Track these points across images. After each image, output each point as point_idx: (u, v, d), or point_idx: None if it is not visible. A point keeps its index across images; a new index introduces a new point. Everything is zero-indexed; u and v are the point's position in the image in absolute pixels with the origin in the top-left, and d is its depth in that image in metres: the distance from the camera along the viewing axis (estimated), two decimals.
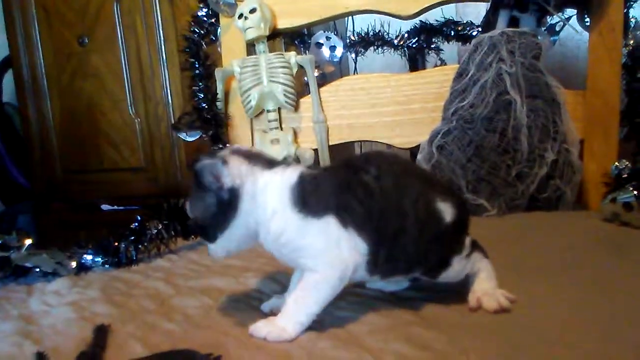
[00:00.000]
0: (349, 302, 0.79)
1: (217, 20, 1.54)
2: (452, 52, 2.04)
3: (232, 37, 1.53)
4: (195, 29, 1.54)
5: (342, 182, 0.70)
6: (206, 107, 1.49)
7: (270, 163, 0.73)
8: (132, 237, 1.15)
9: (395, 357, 0.63)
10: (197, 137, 1.51)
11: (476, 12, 1.87)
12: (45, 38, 2.39)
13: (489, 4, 1.37)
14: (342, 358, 0.63)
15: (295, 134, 1.53)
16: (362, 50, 1.82)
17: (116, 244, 1.13)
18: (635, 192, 1.15)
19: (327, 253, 0.68)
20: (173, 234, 1.21)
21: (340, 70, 1.95)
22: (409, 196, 0.70)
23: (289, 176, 0.70)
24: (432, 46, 1.79)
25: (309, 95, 1.52)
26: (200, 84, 1.50)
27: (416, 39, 1.76)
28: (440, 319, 0.72)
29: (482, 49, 1.33)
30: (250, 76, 1.47)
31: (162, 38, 2.26)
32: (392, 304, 0.78)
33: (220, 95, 1.52)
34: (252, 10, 1.45)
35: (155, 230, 1.18)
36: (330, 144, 1.52)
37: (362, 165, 0.71)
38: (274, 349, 0.66)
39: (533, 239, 1.09)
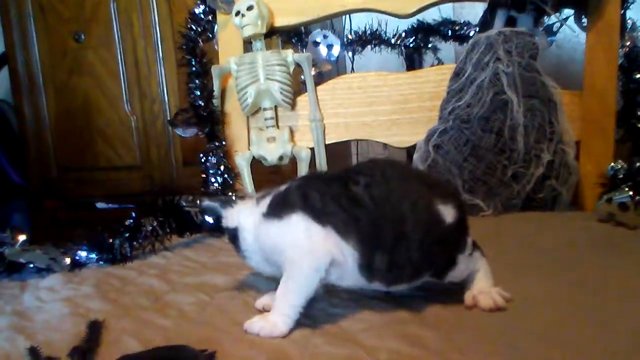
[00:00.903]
0: (343, 299, 0.79)
1: (214, 18, 1.54)
2: (449, 52, 2.04)
3: (229, 34, 1.53)
4: (192, 26, 1.53)
5: (318, 190, 0.71)
6: (202, 104, 1.48)
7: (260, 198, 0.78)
8: (127, 234, 1.15)
9: (390, 354, 0.62)
10: (193, 133, 1.50)
11: (474, 12, 1.87)
12: (41, 35, 2.38)
13: (487, 3, 1.37)
14: (336, 354, 0.63)
15: (291, 132, 1.52)
16: (360, 49, 1.82)
17: (111, 240, 1.13)
18: (631, 193, 1.15)
19: (297, 246, 0.70)
20: (168, 230, 1.20)
21: (338, 68, 1.95)
22: (406, 201, 0.69)
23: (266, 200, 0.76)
24: (430, 45, 1.79)
25: (306, 93, 1.52)
26: (197, 81, 1.50)
27: (413, 38, 1.76)
28: (435, 317, 0.72)
29: (479, 48, 1.33)
30: (247, 74, 1.46)
31: (158, 35, 2.26)
32: (386, 302, 0.77)
33: (216, 92, 1.51)
34: (250, 8, 1.45)
35: (150, 227, 1.18)
36: (327, 142, 1.52)
37: (352, 176, 0.72)
38: (268, 345, 0.66)
39: (529, 238, 1.09)
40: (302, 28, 1.77)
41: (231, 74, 1.50)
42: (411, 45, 1.77)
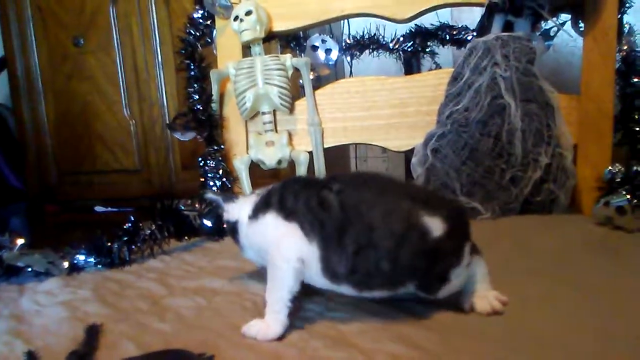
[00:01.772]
0: (340, 302, 0.80)
1: (213, 22, 1.54)
2: (447, 56, 2.05)
3: (227, 39, 1.53)
4: (191, 31, 1.53)
5: (290, 195, 0.75)
6: (201, 108, 1.48)
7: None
8: (125, 238, 1.15)
9: (387, 356, 0.63)
10: (192, 137, 1.51)
11: (471, 17, 1.88)
12: (41, 39, 2.39)
13: (484, 8, 1.37)
14: (334, 357, 0.63)
15: (290, 136, 1.53)
16: (358, 54, 1.83)
17: (109, 244, 1.13)
18: (628, 196, 1.15)
19: (269, 242, 0.74)
20: (166, 234, 1.20)
21: (336, 73, 1.96)
22: (377, 211, 0.69)
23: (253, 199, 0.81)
24: (427, 50, 1.79)
25: (304, 97, 1.52)
26: (196, 85, 1.50)
27: (411, 42, 1.76)
28: (432, 320, 0.73)
29: (477, 53, 1.33)
30: (246, 78, 1.47)
31: (157, 40, 2.27)
32: (383, 305, 0.78)
33: (215, 97, 1.51)
34: (248, 13, 1.45)
35: (149, 231, 1.18)
36: (325, 146, 1.52)
37: (329, 183, 0.74)
38: (265, 349, 0.66)
39: (527, 242, 1.09)
40: (301, 33, 1.77)
41: (230, 78, 1.51)
42: (409, 49, 1.77)
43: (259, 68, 1.46)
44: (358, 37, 1.80)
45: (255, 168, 1.53)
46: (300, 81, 1.54)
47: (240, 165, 1.51)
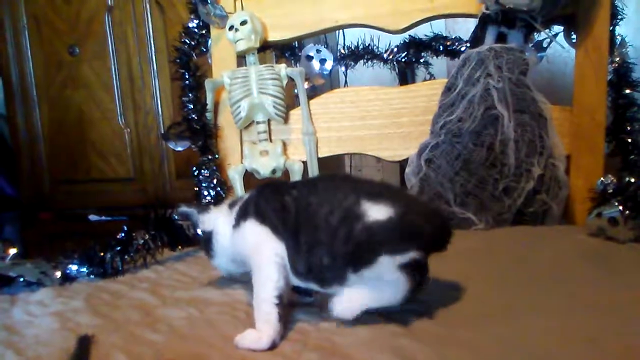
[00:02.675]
0: None
1: (208, 32, 1.55)
2: (441, 67, 2.06)
3: (222, 48, 1.54)
4: (186, 40, 1.54)
5: (262, 201, 0.80)
6: (196, 117, 1.49)
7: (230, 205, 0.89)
8: (118, 248, 1.14)
9: None
10: (186, 147, 1.51)
11: (465, 28, 1.89)
12: (36, 47, 2.39)
13: (478, 19, 1.38)
14: None
15: (284, 145, 1.53)
16: (352, 64, 1.84)
17: (102, 254, 1.12)
18: (621, 207, 1.16)
19: (250, 244, 0.79)
20: (160, 244, 1.20)
21: (331, 83, 1.97)
22: (323, 211, 0.72)
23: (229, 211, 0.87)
24: (421, 60, 1.81)
25: (299, 107, 1.53)
26: (190, 94, 1.51)
27: (405, 53, 1.77)
28: (426, 331, 0.72)
29: (470, 64, 1.34)
30: (240, 87, 1.47)
31: (153, 49, 2.27)
32: (377, 316, 0.77)
33: (210, 106, 1.52)
34: (243, 23, 1.46)
35: (142, 241, 1.17)
36: (320, 156, 1.53)
37: (290, 188, 0.79)
38: None
39: (519, 252, 1.09)
40: (296, 42, 1.78)
41: (224, 87, 1.51)
42: (403, 60, 1.78)
43: (254, 78, 1.47)
44: (353, 48, 1.82)
45: (249, 177, 1.53)
46: (295, 91, 1.55)
47: (235, 175, 1.51)
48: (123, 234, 1.17)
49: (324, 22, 1.52)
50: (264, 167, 1.50)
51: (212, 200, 1.46)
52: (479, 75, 1.33)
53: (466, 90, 1.34)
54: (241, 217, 0.82)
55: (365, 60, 1.82)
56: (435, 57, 1.81)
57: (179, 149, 1.52)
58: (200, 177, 1.49)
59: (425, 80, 1.78)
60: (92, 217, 2.38)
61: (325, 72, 1.78)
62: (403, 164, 1.47)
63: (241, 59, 1.54)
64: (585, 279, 0.92)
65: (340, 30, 1.95)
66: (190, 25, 1.55)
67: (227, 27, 1.48)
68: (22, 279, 1.05)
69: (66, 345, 0.74)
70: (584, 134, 1.36)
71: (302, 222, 0.74)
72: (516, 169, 1.29)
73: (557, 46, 1.43)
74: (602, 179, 1.26)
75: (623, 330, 0.70)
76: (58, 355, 0.71)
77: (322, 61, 1.76)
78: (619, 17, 1.35)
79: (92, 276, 1.11)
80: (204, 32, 1.55)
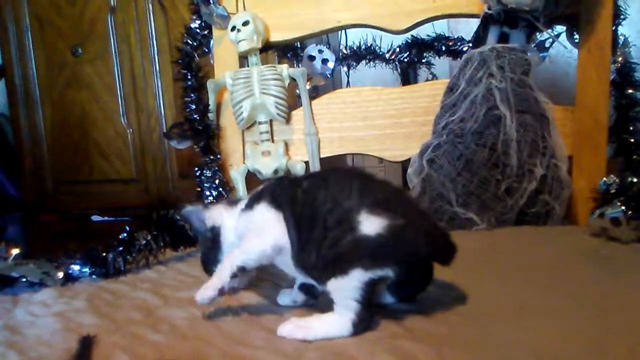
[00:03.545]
0: None
1: (210, 32, 1.55)
2: (444, 67, 2.06)
3: (224, 49, 1.54)
4: (188, 41, 1.54)
5: (279, 189, 0.81)
6: (198, 118, 1.49)
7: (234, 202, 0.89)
8: (121, 248, 1.14)
9: None
10: (188, 145, 1.51)
11: (467, 28, 1.89)
12: (39, 48, 2.40)
13: (480, 19, 1.38)
14: None
15: (286, 146, 1.53)
16: (354, 64, 1.84)
17: (104, 254, 1.12)
18: (623, 208, 1.16)
19: (258, 224, 0.79)
20: (162, 244, 1.20)
21: (333, 83, 1.96)
22: (325, 208, 0.73)
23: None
24: (424, 61, 1.80)
25: (301, 107, 1.53)
26: (193, 95, 1.51)
27: (408, 53, 1.77)
28: (427, 332, 0.72)
29: (473, 64, 1.34)
30: (242, 88, 1.47)
31: (155, 49, 2.27)
32: (378, 316, 0.77)
33: (212, 106, 1.52)
34: (245, 23, 1.46)
35: (144, 241, 1.17)
36: (322, 156, 1.53)
37: (301, 180, 0.80)
38: None
39: (522, 252, 1.09)
40: (298, 43, 1.78)
41: (226, 88, 1.51)
42: (405, 60, 1.78)
43: (256, 78, 1.47)
44: (355, 48, 1.81)
45: (251, 178, 1.53)
46: (297, 91, 1.55)
47: (237, 175, 1.51)
48: (125, 235, 1.17)
49: (326, 22, 1.52)
50: (266, 167, 1.50)
51: (214, 201, 1.46)
52: (481, 76, 1.32)
53: (468, 91, 1.34)
54: (255, 200, 0.82)
55: (367, 61, 1.82)
56: (437, 57, 1.81)
57: (181, 147, 1.52)
58: (203, 177, 1.49)
59: (427, 80, 1.78)
60: (95, 218, 2.39)
61: (327, 73, 1.78)
62: (405, 164, 1.47)
63: (243, 59, 1.54)
64: (588, 279, 0.92)
65: (343, 31, 1.95)
66: (193, 25, 1.55)
67: (229, 27, 1.49)
68: (24, 279, 1.06)
69: (68, 345, 0.74)
70: (586, 134, 1.36)
71: (305, 215, 0.75)
72: (518, 169, 1.29)
73: (560, 46, 1.43)
74: (604, 179, 1.26)
75: (626, 331, 0.70)
76: (60, 356, 0.71)
77: (325, 61, 1.76)
78: (622, 17, 1.35)
79: (94, 276, 1.11)
80: (206, 32, 1.55)
